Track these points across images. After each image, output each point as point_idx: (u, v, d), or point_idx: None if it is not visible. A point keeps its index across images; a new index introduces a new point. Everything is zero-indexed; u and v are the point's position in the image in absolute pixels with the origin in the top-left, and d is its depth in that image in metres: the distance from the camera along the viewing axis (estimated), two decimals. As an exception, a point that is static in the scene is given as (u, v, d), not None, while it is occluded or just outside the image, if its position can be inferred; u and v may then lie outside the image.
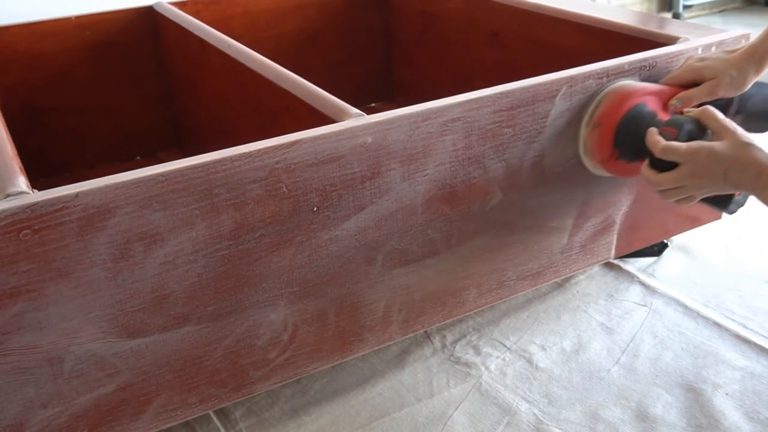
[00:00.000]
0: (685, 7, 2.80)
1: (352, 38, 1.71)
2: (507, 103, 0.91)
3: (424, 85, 1.68)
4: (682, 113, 0.95)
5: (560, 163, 0.99)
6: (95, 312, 0.75)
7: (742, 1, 3.00)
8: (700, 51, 1.04)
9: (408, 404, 0.99)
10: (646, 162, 0.92)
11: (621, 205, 1.09)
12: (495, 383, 1.01)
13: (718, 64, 0.96)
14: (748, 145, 0.84)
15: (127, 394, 0.80)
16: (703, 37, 1.06)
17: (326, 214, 0.84)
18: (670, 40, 1.07)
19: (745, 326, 1.09)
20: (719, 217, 1.23)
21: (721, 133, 0.86)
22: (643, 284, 1.20)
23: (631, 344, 1.06)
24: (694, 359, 1.04)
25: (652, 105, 0.96)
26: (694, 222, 1.23)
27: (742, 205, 0.93)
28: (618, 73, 0.97)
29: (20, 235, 0.68)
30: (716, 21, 2.81)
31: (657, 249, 1.28)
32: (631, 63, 0.98)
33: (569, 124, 0.97)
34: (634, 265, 1.25)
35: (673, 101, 0.97)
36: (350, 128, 0.82)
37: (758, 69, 0.95)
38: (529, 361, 1.05)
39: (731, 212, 0.93)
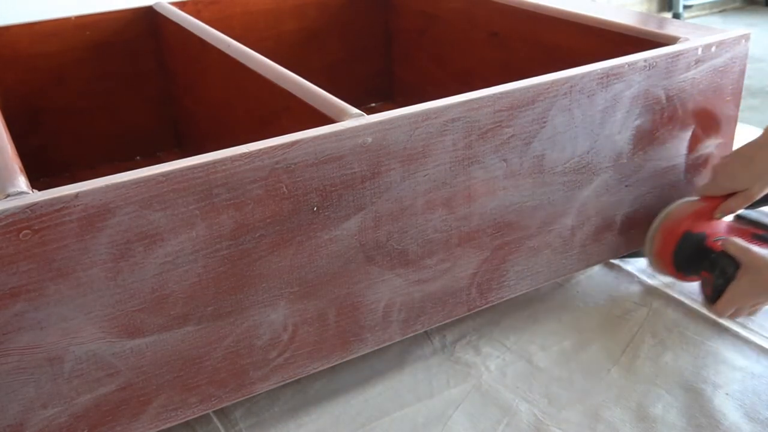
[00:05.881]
0: (685, 7, 2.81)
1: (352, 38, 1.71)
2: (507, 103, 0.91)
3: (424, 85, 1.68)
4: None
5: (560, 163, 0.99)
6: (95, 312, 0.75)
7: (742, 1, 3.00)
8: (700, 51, 1.04)
9: (408, 404, 0.99)
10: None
11: (621, 205, 1.09)
12: (495, 383, 1.01)
13: (744, 176, 1.01)
14: None
15: (127, 394, 0.80)
16: (703, 37, 1.06)
17: (326, 214, 0.84)
18: (670, 40, 1.07)
19: (745, 326, 1.09)
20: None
21: (747, 260, 0.95)
22: (643, 284, 1.20)
23: (631, 344, 1.06)
24: (694, 359, 1.04)
25: (698, 228, 1.04)
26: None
27: None
28: (618, 74, 0.97)
29: (20, 235, 0.68)
30: (716, 21, 2.81)
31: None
32: (631, 63, 0.98)
33: (569, 125, 0.97)
34: (634, 265, 1.25)
35: (717, 214, 1.05)
36: (350, 128, 0.82)
37: None
38: (529, 361, 1.05)
39: None
